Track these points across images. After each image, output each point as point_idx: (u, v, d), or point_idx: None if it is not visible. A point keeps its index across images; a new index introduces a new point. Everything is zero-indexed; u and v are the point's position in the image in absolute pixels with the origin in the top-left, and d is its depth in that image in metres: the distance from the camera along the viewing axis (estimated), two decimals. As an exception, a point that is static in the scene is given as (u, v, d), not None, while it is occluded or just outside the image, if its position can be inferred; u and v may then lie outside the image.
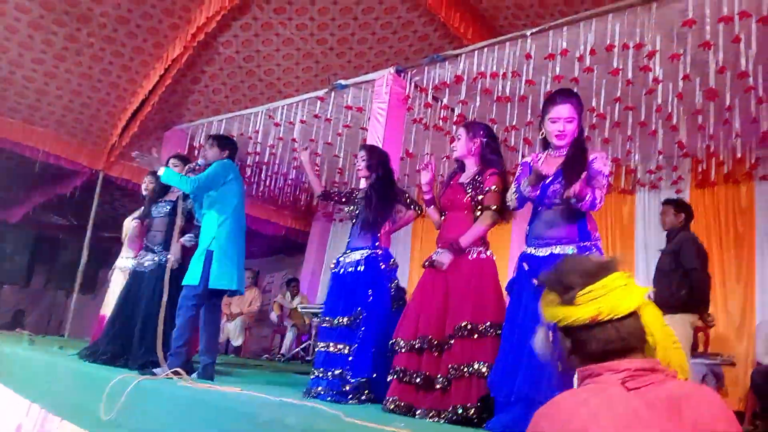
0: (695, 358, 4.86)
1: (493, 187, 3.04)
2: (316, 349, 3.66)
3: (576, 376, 1.36)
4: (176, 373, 3.46)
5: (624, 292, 1.32)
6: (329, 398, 3.30)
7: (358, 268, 3.62)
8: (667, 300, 4.19)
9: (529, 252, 2.72)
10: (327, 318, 3.64)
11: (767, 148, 5.30)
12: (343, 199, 4.00)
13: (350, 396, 3.36)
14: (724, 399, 5.17)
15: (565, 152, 2.69)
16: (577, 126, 2.69)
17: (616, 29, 3.96)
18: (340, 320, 3.54)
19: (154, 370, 3.59)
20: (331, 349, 3.50)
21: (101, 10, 5.89)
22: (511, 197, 2.85)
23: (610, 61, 4.06)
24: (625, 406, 1.18)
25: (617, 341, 1.29)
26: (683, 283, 4.15)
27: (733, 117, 4.47)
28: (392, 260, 3.78)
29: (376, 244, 3.72)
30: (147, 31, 6.22)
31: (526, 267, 2.67)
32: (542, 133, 2.78)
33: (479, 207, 3.08)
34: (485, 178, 3.09)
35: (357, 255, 3.68)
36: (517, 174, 2.86)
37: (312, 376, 3.56)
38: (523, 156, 5.80)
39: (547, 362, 2.42)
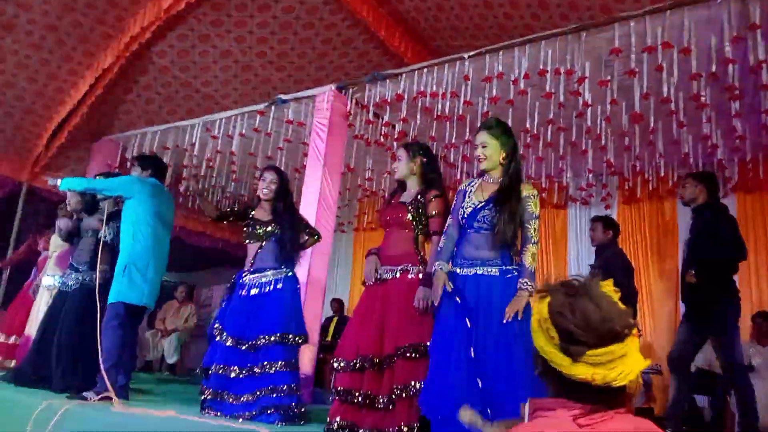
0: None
1: (435, 212, 3.13)
2: (231, 373, 3.50)
3: (527, 405, 1.36)
4: (107, 397, 3.34)
5: (623, 365, 1.23)
6: (277, 421, 3.25)
7: (277, 286, 3.62)
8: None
9: (453, 271, 2.81)
10: (245, 340, 3.52)
11: (688, 168, 5.63)
12: (241, 216, 3.91)
13: (300, 416, 3.37)
14: (653, 405, 5.44)
15: (496, 179, 2.84)
16: (503, 153, 2.82)
17: (548, 55, 4.13)
18: (269, 339, 3.47)
19: (84, 394, 3.45)
20: (270, 369, 3.42)
21: (29, 17, 5.63)
22: (446, 226, 2.96)
23: (543, 85, 4.22)
24: None
25: (594, 399, 1.25)
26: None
27: (657, 139, 4.73)
28: (299, 282, 3.85)
29: (293, 266, 3.76)
30: (77, 39, 5.98)
31: (450, 286, 2.75)
32: None
33: (430, 232, 3.15)
34: (428, 200, 3.16)
35: (271, 274, 3.66)
36: (454, 203, 2.95)
37: (230, 401, 3.43)
38: (461, 172, 5.95)
39: (474, 381, 2.51)
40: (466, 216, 2.80)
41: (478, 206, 2.78)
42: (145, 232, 3.91)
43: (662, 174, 5.49)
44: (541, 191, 6.65)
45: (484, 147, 2.84)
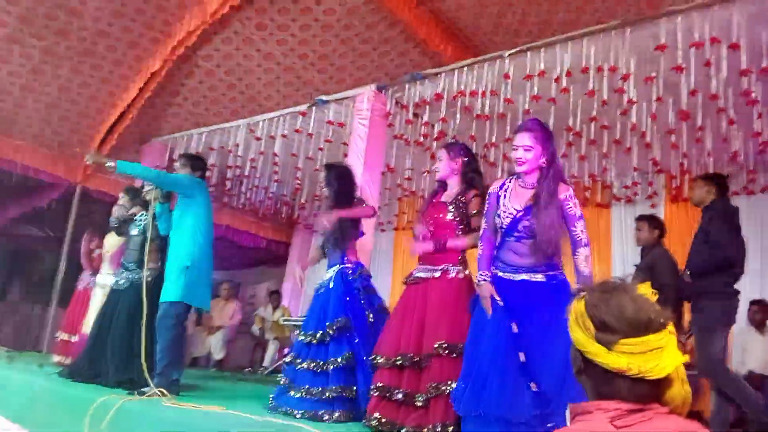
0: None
1: (476, 211, 3.15)
2: (296, 367, 3.59)
3: (567, 411, 1.38)
4: (161, 393, 3.47)
5: (659, 358, 1.24)
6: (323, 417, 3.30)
7: (330, 285, 3.70)
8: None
9: (496, 274, 2.79)
10: (306, 333, 3.61)
11: (738, 166, 5.46)
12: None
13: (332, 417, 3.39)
14: (702, 408, 5.31)
15: (532, 183, 2.77)
16: (544, 157, 2.75)
17: (591, 52, 4.07)
18: (324, 334, 3.50)
19: (143, 390, 3.57)
20: (310, 367, 3.46)
21: (80, 23, 5.86)
22: (481, 226, 2.93)
23: (585, 83, 4.18)
24: None
25: (631, 396, 1.26)
26: (657, 300, 4.25)
27: (705, 136, 4.61)
28: (361, 269, 3.81)
29: (345, 258, 3.77)
30: (127, 44, 6.20)
31: (498, 298, 2.73)
32: None
33: (468, 229, 3.17)
34: (469, 200, 3.18)
35: (330, 272, 3.76)
36: (486, 205, 2.91)
37: (293, 394, 3.48)
38: (502, 171, 5.90)
39: (526, 385, 2.51)
40: (504, 226, 2.77)
41: (518, 216, 2.74)
42: (205, 234, 4.03)
43: (711, 172, 5.33)
44: (584, 190, 6.54)
45: (526, 150, 2.76)
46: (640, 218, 4.75)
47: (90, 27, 5.93)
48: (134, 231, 4.58)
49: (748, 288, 5.73)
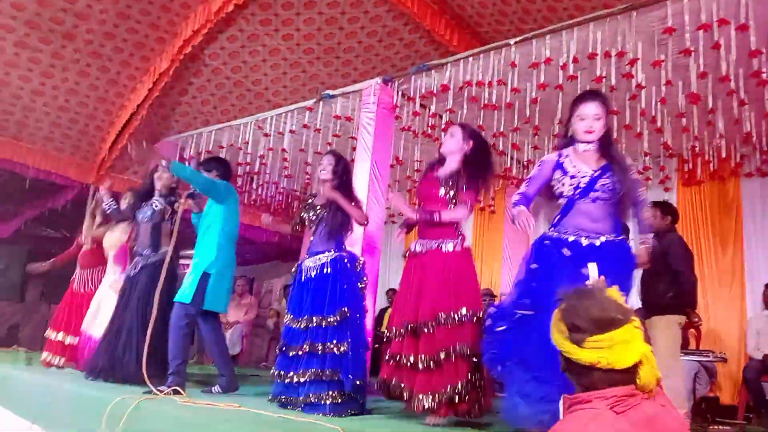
0: (687, 356, 4.93)
1: (465, 186, 3.23)
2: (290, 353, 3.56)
3: (561, 401, 1.46)
4: (176, 392, 3.51)
5: (626, 349, 1.43)
6: (330, 412, 3.30)
7: (325, 270, 3.62)
8: (654, 301, 4.26)
9: (571, 240, 2.72)
10: (298, 318, 3.59)
11: (751, 147, 5.39)
12: (303, 212, 3.92)
13: (349, 407, 3.41)
14: (718, 393, 5.31)
15: (594, 149, 2.79)
16: (604, 125, 2.81)
17: (598, 37, 4.02)
18: (323, 319, 3.49)
19: (159, 388, 3.59)
20: (322, 349, 3.44)
21: (87, 26, 5.89)
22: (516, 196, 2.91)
23: (593, 69, 4.13)
24: (616, 428, 1.37)
25: (606, 383, 1.43)
26: (671, 285, 4.20)
27: (717, 119, 4.54)
28: (358, 261, 3.79)
29: (342, 247, 3.75)
30: (133, 45, 6.23)
31: (568, 253, 2.70)
32: (570, 132, 2.86)
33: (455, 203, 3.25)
34: (461, 188, 3.23)
35: (322, 258, 3.66)
36: (536, 172, 2.90)
37: (286, 381, 3.50)
38: (511, 159, 5.86)
39: None
40: (582, 185, 2.73)
41: (595, 175, 2.72)
42: (231, 242, 4.06)
43: (724, 155, 5.25)
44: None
45: (597, 119, 2.77)
46: (653, 204, 4.68)
47: (96, 29, 5.96)
48: (144, 218, 4.52)
49: (763, 271, 5.69)
